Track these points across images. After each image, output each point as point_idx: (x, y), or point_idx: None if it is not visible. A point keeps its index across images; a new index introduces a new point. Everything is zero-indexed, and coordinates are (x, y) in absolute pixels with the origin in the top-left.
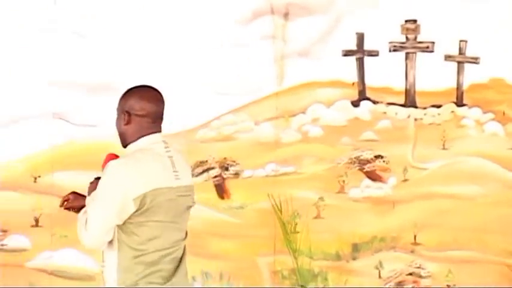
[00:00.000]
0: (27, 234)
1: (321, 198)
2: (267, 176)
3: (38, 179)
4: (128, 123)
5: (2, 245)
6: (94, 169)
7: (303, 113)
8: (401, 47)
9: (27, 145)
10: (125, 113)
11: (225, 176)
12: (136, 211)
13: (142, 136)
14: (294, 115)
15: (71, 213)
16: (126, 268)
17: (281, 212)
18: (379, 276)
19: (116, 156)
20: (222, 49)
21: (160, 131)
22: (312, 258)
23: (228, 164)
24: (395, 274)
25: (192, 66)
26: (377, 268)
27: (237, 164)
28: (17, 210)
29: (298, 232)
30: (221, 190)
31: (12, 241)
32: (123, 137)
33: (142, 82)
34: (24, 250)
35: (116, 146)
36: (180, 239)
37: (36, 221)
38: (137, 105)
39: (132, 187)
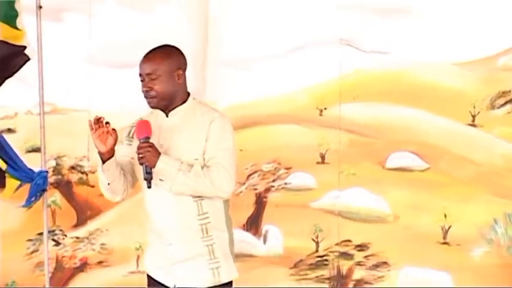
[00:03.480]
0: (312, 172)
1: None
2: None
3: (323, 112)
4: (182, 79)
5: (286, 183)
6: (384, 100)
7: None
8: None
9: (312, 74)
10: (177, 70)
11: None
12: None
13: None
14: None
15: (359, 149)
16: (228, 215)
17: None
18: None
19: (148, 123)
20: None
21: None
22: None
23: None
24: None
25: None
26: None
27: None
28: (301, 145)
29: None
30: None
31: (296, 179)
32: (174, 96)
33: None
34: (309, 189)
35: (414, 74)
36: None
37: (322, 157)
38: (183, 60)
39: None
